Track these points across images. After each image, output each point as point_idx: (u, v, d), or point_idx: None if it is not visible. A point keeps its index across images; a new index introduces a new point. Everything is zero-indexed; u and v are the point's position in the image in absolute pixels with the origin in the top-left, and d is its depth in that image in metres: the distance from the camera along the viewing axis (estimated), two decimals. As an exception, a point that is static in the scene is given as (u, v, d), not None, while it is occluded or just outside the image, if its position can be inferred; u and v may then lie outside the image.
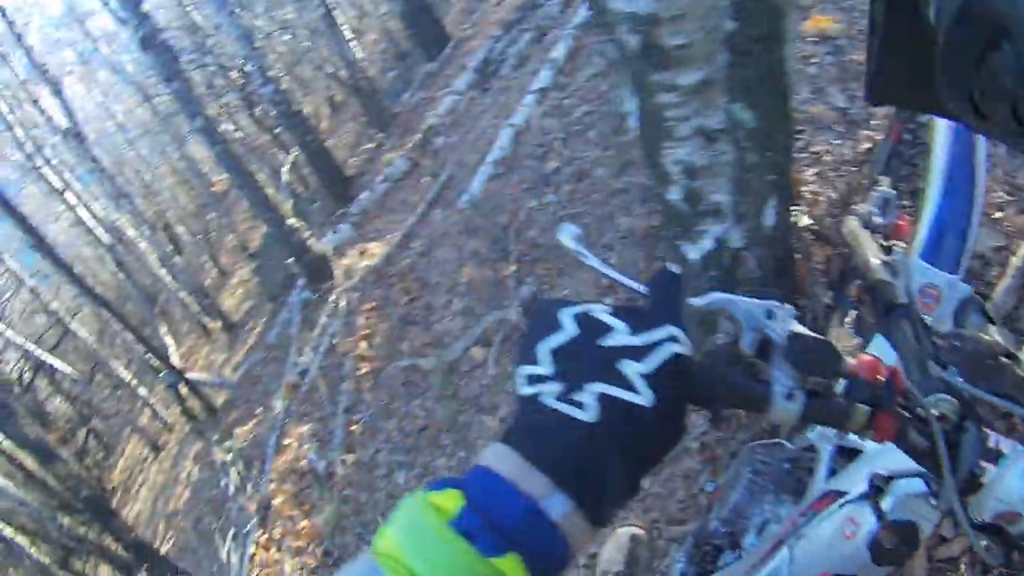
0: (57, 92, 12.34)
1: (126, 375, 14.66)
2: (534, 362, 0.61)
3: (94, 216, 13.38)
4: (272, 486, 6.34)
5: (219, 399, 11.39)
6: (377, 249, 7.19)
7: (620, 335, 0.61)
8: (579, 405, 0.57)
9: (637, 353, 0.59)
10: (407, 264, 6.38)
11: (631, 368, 0.58)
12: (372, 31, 17.26)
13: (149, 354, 11.07)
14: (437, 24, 12.01)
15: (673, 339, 0.61)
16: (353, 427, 5.80)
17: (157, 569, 7.65)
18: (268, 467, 6.67)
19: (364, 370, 6.05)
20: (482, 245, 5.33)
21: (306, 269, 7.61)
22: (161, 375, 11.44)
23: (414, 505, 0.52)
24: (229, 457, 8.26)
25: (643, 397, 0.57)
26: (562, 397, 0.58)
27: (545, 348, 0.62)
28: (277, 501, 6.13)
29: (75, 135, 12.19)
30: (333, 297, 7.06)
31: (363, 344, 6.19)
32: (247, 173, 7.34)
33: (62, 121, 12.27)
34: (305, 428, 6.51)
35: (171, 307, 18.77)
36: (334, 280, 7.39)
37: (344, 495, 5.50)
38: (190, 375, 11.64)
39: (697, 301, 0.69)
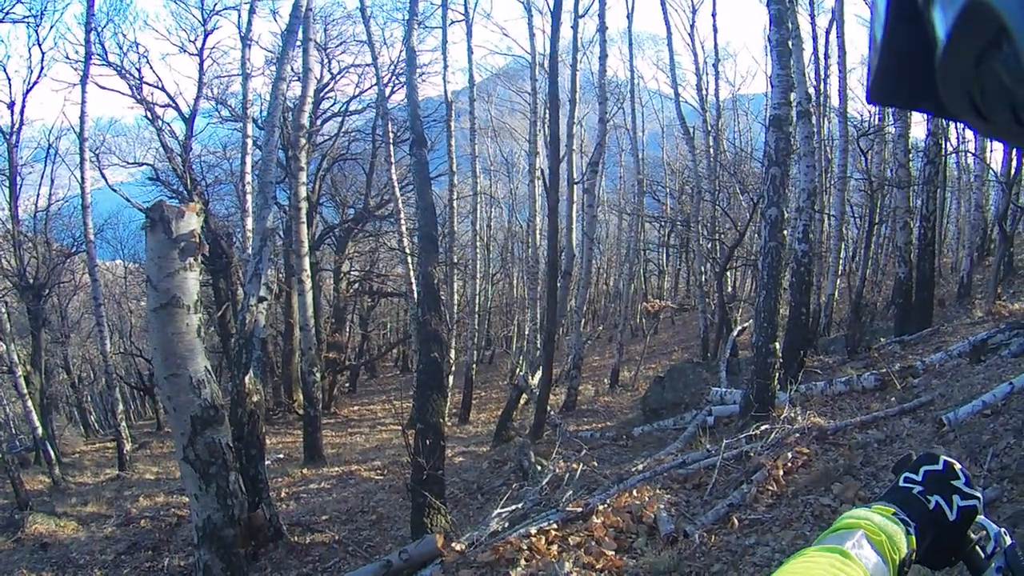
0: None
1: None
2: (915, 472, 1.19)
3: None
4: (601, 507, 6.92)
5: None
6: (817, 419, 8.01)
7: (960, 483, 1.12)
8: (938, 505, 1.10)
9: (963, 495, 1.11)
10: (857, 440, 7.24)
11: (956, 499, 1.11)
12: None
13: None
14: (927, 310, 12.85)
15: (979, 499, 1.12)
16: (733, 518, 6.39)
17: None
18: (611, 492, 7.33)
19: (772, 488, 6.78)
20: (954, 451, 5.92)
21: (760, 393, 8.62)
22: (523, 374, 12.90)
23: (870, 508, 1.07)
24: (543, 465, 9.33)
25: (952, 515, 1.09)
26: (920, 495, 1.11)
27: (923, 468, 1.16)
28: (597, 521, 6.61)
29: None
30: (765, 426, 7.97)
31: (781, 470, 6.94)
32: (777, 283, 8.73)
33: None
34: (663, 494, 7.17)
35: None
36: (772, 415, 8.32)
37: (682, 558, 5.97)
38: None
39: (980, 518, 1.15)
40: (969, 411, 6.60)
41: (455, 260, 22.26)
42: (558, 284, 15.17)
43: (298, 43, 13.20)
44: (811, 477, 6.73)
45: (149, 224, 5.45)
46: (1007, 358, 8.43)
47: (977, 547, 1.12)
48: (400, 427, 10.94)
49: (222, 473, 5.87)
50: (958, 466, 1.15)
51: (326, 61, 24.39)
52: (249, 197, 16.31)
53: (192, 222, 5.53)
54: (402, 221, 19.65)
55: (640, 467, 8.34)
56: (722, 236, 20.88)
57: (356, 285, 27.94)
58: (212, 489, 5.82)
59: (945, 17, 0.45)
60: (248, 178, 17.04)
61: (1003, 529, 1.13)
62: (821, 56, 20.45)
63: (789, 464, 7.05)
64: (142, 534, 10.14)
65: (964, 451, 5.84)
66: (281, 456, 16.16)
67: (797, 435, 7.55)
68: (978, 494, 1.13)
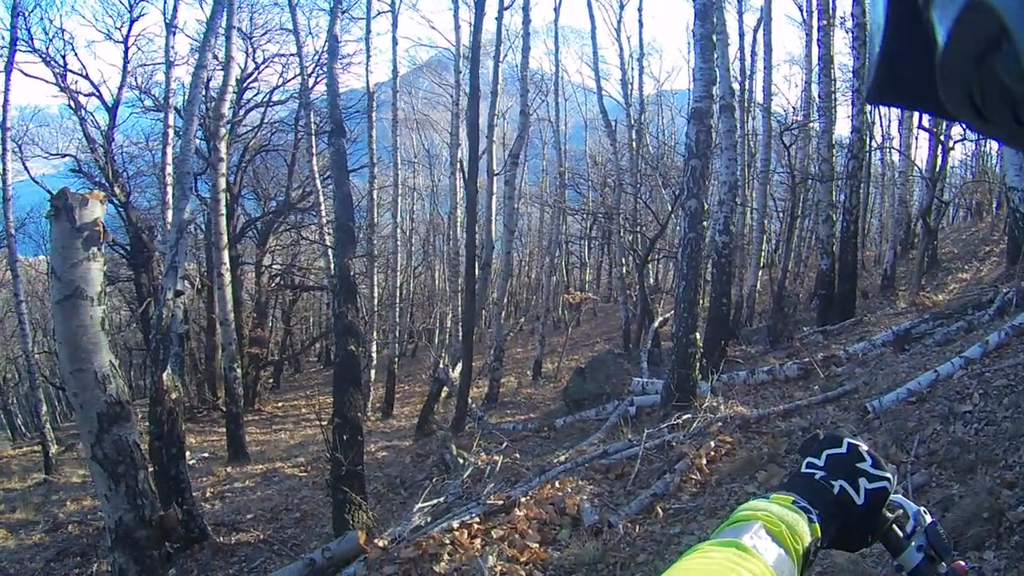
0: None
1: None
2: (817, 457, 1.12)
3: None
4: (523, 499, 6.77)
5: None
6: (740, 408, 7.89)
7: (867, 464, 1.10)
8: (843, 490, 1.06)
9: (870, 478, 1.05)
10: (781, 428, 7.12)
11: (863, 482, 1.05)
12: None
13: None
14: (850, 300, 12.96)
15: (889, 480, 1.06)
16: (657, 507, 6.27)
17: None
18: (533, 484, 7.23)
19: (695, 477, 6.61)
20: (880, 439, 5.82)
21: (681, 383, 8.45)
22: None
23: (769, 499, 1.01)
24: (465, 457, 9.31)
25: (860, 499, 1.04)
26: (823, 480, 1.05)
27: (825, 452, 1.12)
28: (520, 513, 6.50)
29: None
30: (687, 416, 7.78)
31: (704, 459, 6.77)
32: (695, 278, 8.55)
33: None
34: (586, 485, 7.01)
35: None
36: (694, 404, 8.16)
37: (607, 549, 5.79)
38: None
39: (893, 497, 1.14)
40: (894, 399, 6.55)
41: (376, 252, 22.11)
42: (477, 276, 15.09)
43: (221, 30, 13.00)
44: (735, 465, 6.61)
45: (53, 212, 5.22)
46: (931, 347, 8.46)
47: (895, 526, 1.08)
48: (320, 423, 10.71)
49: (131, 472, 5.58)
50: (863, 447, 1.09)
51: (250, 50, 23.86)
52: (170, 189, 16.05)
53: (96, 210, 5.30)
54: (322, 213, 19.45)
55: (562, 458, 8.23)
56: (644, 228, 21.15)
57: (278, 279, 27.39)
58: (121, 489, 5.54)
59: (945, 17, 0.45)
60: (169, 169, 16.74)
61: (922, 508, 1.11)
62: (747, 53, 20.83)
63: (712, 453, 6.94)
64: (70, 540, 9.87)
65: (890, 438, 5.78)
66: (206, 455, 15.91)
67: (719, 424, 7.45)
68: (888, 475, 1.07)
